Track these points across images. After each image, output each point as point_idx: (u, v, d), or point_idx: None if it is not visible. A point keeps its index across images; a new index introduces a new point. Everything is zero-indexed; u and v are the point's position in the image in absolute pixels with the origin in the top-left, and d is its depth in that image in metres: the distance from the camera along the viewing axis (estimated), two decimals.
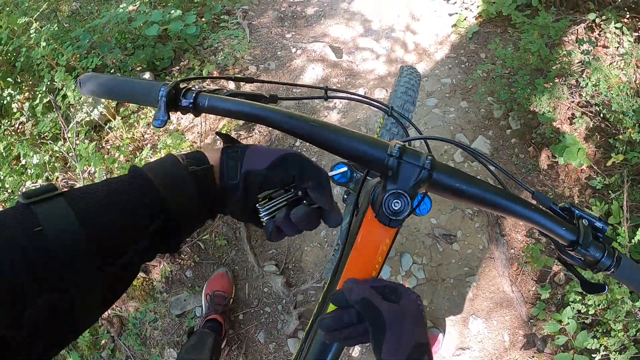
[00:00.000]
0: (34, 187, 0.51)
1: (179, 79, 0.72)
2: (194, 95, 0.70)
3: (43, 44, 2.60)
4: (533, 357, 2.10)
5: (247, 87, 2.89)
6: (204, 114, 0.71)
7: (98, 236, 0.47)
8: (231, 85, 2.91)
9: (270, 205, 0.66)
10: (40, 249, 0.43)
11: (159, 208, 0.55)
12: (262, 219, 0.66)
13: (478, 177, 0.68)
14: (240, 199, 0.65)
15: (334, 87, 2.98)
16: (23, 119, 2.72)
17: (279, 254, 2.42)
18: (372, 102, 0.93)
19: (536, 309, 2.15)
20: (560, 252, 0.71)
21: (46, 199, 0.47)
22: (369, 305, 0.62)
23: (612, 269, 0.66)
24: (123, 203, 0.52)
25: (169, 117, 0.70)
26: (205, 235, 2.47)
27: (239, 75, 0.90)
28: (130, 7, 3.07)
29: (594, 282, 0.70)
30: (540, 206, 0.70)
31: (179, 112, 0.72)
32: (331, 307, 0.71)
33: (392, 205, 0.64)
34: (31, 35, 2.64)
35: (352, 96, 0.92)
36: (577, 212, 0.70)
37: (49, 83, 2.66)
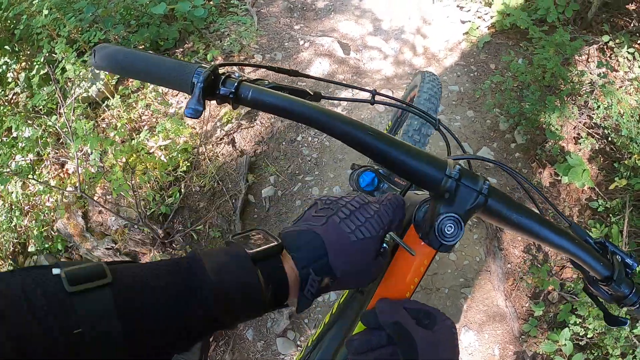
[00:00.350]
0: (79, 266, 0.43)
1: (217, 63, 0.64)
2: (235, 84, 0.61)
3: (45, 12, 2.50)
4: None
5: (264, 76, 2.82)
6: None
7: (138, 343, 0.43)
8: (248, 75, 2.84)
9: None
10: (75, 349, 0.39)
11: (215, 324, 0.50)
12: None
13: (525, 206, 0.64)
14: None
15: (337, 86, 2.93)
16: (18, 89, 2.62)
17: None
18: (422, 113, 0.88)
19: (528, 326, 2.15)
20: (590, 284, 0.70)
21: (94, 288, 0.42)
22: (401, 330, 0.57)
23: (638, 305, 0.66)
24: (175, 313, 0.46)
25: (204, 107, 0.60)
26: (198, 226, 2.42)
27: (282, 67, 0.81)
28: None
29: (617, 316, 0.69)
30: (579, 239, 0.68)
31: (213, 102, 0.64)
32: (360, 326, 0.66)
33: (446, 229, 0.60)
34: (33, 2, 2.53)
35: (401, 104, 0.87)
36: (610, 247, 0.69)
37: (47, 54, 2.56)
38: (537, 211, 0.70)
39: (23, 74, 2.68)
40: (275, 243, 0.55)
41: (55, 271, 0.41)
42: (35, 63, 2.58)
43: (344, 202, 0.62)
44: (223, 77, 0.62)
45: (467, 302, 2.24)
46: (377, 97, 0.83)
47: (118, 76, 2.85)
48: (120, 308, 0.42)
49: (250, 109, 2.83)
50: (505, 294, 2.26)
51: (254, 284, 0.51)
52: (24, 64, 2.87)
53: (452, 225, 0.60)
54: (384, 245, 0.62)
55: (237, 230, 2.41)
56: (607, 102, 2.33)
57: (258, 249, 0.53)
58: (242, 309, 0.51)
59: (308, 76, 0.82)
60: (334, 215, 0.59)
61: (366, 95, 0.83)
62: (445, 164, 0.60)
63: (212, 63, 0.64)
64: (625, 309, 0.69)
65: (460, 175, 0.59)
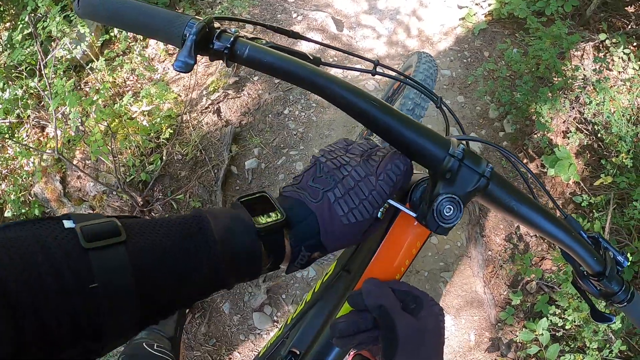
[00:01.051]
0: (93, 222, 0.40)
1: (213, 15, 0.58)
2: (231, 39, 0.56)
3: None
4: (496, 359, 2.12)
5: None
6: (195, 67, 0.58)
7: (150, 298, 0.45)
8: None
9: None
10: (90, 307, 0.40)
11: (219, 283, 0.52)
12: None
13: (527, 194, 0.62)
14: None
15: (329, 61, 2.88)
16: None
17: None
18: (424, 90, 0.84)
19: (505, 314, 2.17)
20: (579, 278, 0.70)
21: (109, 245, 0.43)
22: (385, 315, 0.56)
23: (625, 303, 0.67)
24: (184, 270, 0.48)
25: (195, 61, 0.55)
26: (179, 195, 2.36)
27: (281, 27, 0.76)
28: None
29: (604, 312, 0.70)
30: (574, 231, 0.67)
31: (206, 57, 0.59)
32: (345, 307, 0.64)
33: (445, 210, 0.56)
34: None
35: (404, 78, 0.84)
36: (604, 243, 0.69)
37: (32, 14, 2.44)
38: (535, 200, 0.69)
39: (7, 34, 2.55)
40: (281, 219, 0.55)
41: (68, 224, 0.42)
42: (19, 22, 2.46)
43: (344, 172, 0.59)
44: (218, 31, 0.57)
45: (446, 286, 2.25)
46: (379, 69, 0.79)
47: (103, 39, 2.75)
48: (135, 266, 0.43)
49: (237, 78, 2.77)
50: (484, 281, 2.27)
51: (258, 252, 0.53)
52: (8, 23, 2.74)
53: (451, 206, 0.56)
54: (379, 215, 0.59)
55: (217, 201, 2.37)
56: (600, 99, 2.33)
57: (265, 225, 0.54)
58: (245, 272, 0.54)
59: (308, 39, 0.78)
60: (330, 191, 0.57)
61: (368, 66, 0.79)
62: (449, 142, 0.57)
63: (207, 16, 0.59)
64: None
65: (463, 156, 0.56)
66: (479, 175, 0.57)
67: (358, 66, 0.83)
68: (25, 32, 2.39)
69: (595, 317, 0.71)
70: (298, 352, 0.71)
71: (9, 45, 2.47)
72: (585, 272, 0.68)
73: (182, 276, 0.48)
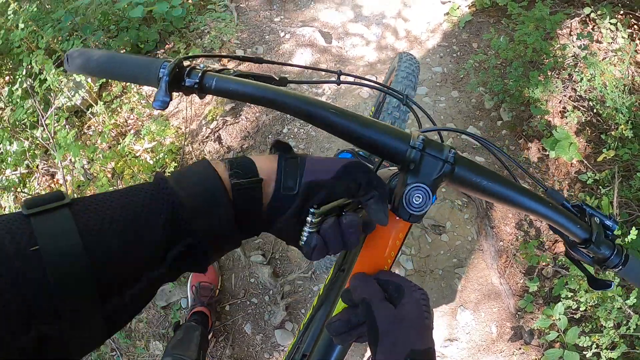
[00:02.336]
0: (38, 194, 0.42)
1: (181, 56, 0.65)
2: (200, 74, 0.63)
3: (21, 25, 2.48)
4: (520, 349, 2.11)
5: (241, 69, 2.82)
6: (192, 98, 0.64)
7: (105, 263, 0.41)
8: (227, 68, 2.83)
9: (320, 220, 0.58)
10: (35, 273, 0.37)
11: (183, 229, 0.47)
12: (303, 233, 0.58)
13: (495, 172, 0.65)
14: (295, 214, 0.56)
15: (322, 75, 2.93)
16: (1, 104, 2.61)
17: (266, 243, 2.38)
18: (387, 89, 0.89)
19: (524, 302, 2.16)
20: (570, 249, 0.71)
21: (49, 209, 0.40)
22: (367, 307, 0.57)
23: (620, 267, 0.67)
24: (139, 223, 0.45)
25: (171, 98, 0.62)
26: None
27: (246, 55, 0.82)
28: None
29: (601, 279, 0.70)
30: (555, 203, 0.68)
31: (181, 93, 0.65)
32: (340, 304, 0.66)
33: (414, 199, 0.61)
34: (9, 17, 2.51)
35: (366, 82, 0.88)
36: (588, 210, 0.70)
37: (29, 67, 2.55)
38: (513, 179, 0.71)
39: (7, 89, 2.66)
40: (255, 179, 0.54)
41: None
42: (17, 77, 2.57)
43: None
44: (188, 69, 0.63)
45: (461, 282, 2.25)
46: (343, 77, 0.84)
47: (100, 83, 2.85)
48: (81, 225, 0.40)
49: (234, 104, 2.83)
50: (499, 272, 2.27)
51: (219, 189, 0.50)
52: (7, 78, 2.86)
53: (419, 195, 0.60)
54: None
55: None
56: (590, 74, 2.31)
57: (238, 180, 0.52)
58: (213, 219, 0.49)
59: (272, 62, 0.84)
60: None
61: (335, 77, 0.85)
62: (409, 135, 0.61)
63: (176, 57, 0.65)
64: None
65: (424, 146, 0.60)
66: (443, 161, 0.60)
67: (330, 79, 0.88)
68: (24, 85, 2.49)
69: (593, 285, 0.71)
70: (307, 354, 0.75)
71: (9, 100, 2.58)
72: (574, 242, 0.69)
73: (139, 226, 0.44)
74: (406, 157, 0.60)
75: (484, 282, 2.25)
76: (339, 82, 0.84)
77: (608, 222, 0.69)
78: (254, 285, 2.28)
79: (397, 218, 0.64)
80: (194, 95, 0.65)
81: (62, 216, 0.40)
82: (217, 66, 0.76)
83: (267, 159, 0.57)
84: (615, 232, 0.69)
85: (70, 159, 2.43)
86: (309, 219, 0.57)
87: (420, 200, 0.60)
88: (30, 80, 2.39)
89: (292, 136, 2.71)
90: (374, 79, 2.94)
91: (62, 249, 0.39)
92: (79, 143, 2.24)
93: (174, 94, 0.64)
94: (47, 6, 2.94)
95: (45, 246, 0.38)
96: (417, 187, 0.60)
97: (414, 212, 0.61)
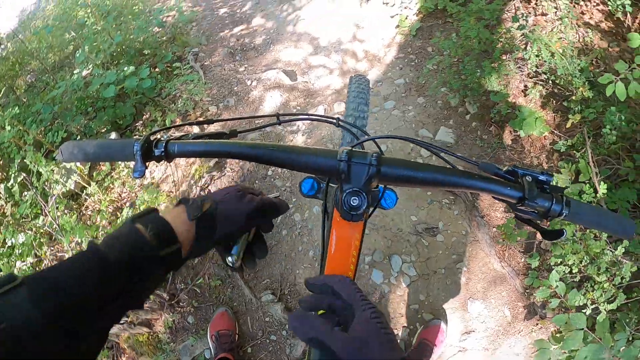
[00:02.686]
0: None
1: (148, 133, 0.80)
2: (164, 144, 0.78)
3: (7, 127, 2.65)
4: (537, 324, 2.14)
5: (212, 127, 2.96)
6: (175, 163, 0.79)
7: (63, 328, 0.49)
8: (197, 129, 2.97)
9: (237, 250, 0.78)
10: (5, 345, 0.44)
11: (117, 288, 0.56)
12: (228, 259, 0.77)
13: (421, 162, 0.75)
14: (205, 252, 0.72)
15: (292, 111, 3.07)
16: (1, 201, 2.75)
17: (273, 282, 2.46)
18: (320, 118, 1.02)
19: (530, 279, 2.19)
20: (515, 211, 0.75)
21: (7, 291, 0.48)
22: (321, 345, 0.56)
23: (564, 213, 0.71)
24: (82, 285, 0.53)
25: (146, 167, 0.78)
26: (199, 280, 2.51)
27: (200, 119, 1.00)
28: (85, 72, 3.13)
29: (552, 230, 0.74)
30: (487, 174, 0.76)
31: (154, 162, 0.80)
32: None
33: (351, 202, 0.72)
34: None
35: (302, 116, 1.01)
36: (520, 171, 0.75)
37: (20, 162, 2.71)
38: (449, 165, 0.81)
39: (2, 185, 2.81)
40: (175, 247, 0.65)
41: None
42: (10, 173, 2.72)
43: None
44: (155, 141, 0.79)
45: (465, 275, 2.31)
46: (282, 117, 0.98)
47: (89, 165, 3.00)
48: (35, 299, 0.48)
49: (217, 161, 2.97)
50: (498, 257, 2.32)
51: (140, 238, 0.60)
52: (0, 175, 3.01)
53: (355, 197, 0.72)
54: None
55: (234, 274, 2.50)
56: (536, 49, 2.41)
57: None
58: (143, 268, 0.59)
59: (218, 120, 0.97)
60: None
61: (275, 120, 0.99)
62: (336, 152, 0.72)
63: (145, 134, 0.81)
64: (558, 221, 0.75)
65: (349, 157, 0.71)
66: (368, 165, 0.71)
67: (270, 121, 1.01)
68: (19, 180, 2.64)
69: (547, 237, 0.74)
70: None
71: (8, 196, 2.72)
72: (513, 203, 0.74)
73: (82, 285, 0.52)
74: (338, 170, 0.71)
75: (486, 270, 2.31)
76: (279, 123, 0.97)
77: (542, 177, 0.73)
78: (269, 323, 2.35)
79: (348, 222, 0.75)
80: (178, 159, 0.79)
81: (19, 294, 0.48)
82: (178, 134, 0.92)
83: (182, 223, 0.68)
84: (552, 184, 0.73)
85: (77, 241, 2.54)
86: (229, 259, 0.77)
87: (357, 201, 0.72)
88: (23, 173, 2.54)
89: (277, 177, 2.81)
90: (342, 104, 3.06)
91: (22, 322, 0.46)
92: (81, 224, 2.37)
93: (150, 163, 0.80)
94: (24, 100, 3.12)
95: (8, 321, 0.45)
96: (351, 191, 0.71)
97: (354, 213, 0.72)
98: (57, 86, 3.13)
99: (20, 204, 2.64)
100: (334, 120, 1.02)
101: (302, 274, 2.43)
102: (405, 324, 2.23)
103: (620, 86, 1.88)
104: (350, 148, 0.72)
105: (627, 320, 1.68)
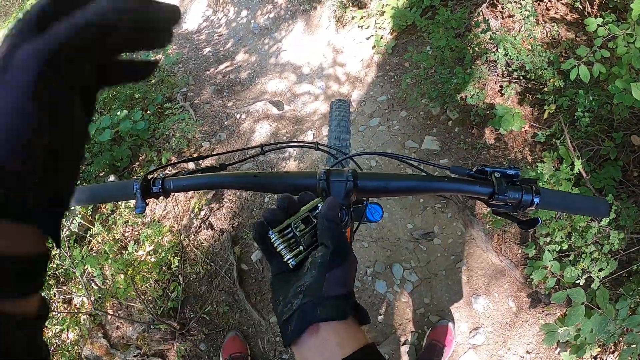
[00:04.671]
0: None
1: (146, 173, 0.89)
2: (161, 181, 0.86)
3: None
4: (543, 311, 2.19)
5: (207, 162, 3.05)
6: (175, 198, 0.87)
7: None
8: (191, 164, 3.07)
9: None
10: None
11: None
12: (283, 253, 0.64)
13: (396, 173, 0.83)
14: None
15: (283, 139, 3.19)
16: None
17: None
18: (300, 144, 1.12)
19: (529, 268, 2.23)
20: (490, 206, 0.81)
21: None
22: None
23: (535, 202, 0.76)
24: None
25: (146, 204, 0.86)
26: (207, 308, 2.55)
27: (193, 156, 1.11)
28: None
29: (527, 219, 0.79)
30: (458, 176, 0.83)
31: (153, 199, 0.88)
32: None
33: None
34: None
35: (284, 144, 1.10)
36: (488, 169, 0.81)
37: None
38: (423, 173, 0.88)
39: None
40: None
41: None
42: None
43: None
44: (152, 179, 0.87)
45: (465, 274, 2.36)
46: (266, 147, 1.08)
47: (92, 207, 3.08)
48: None
49: (214, 193, 3.06)
50: (495, 251, 2.39)
51: None
52: None
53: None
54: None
55: (242, 299, 2.55)
56: (503, 49, 2.54)
57: None
58: None
59: (209, 156, 1.07)
60: None
61: (260, 150, 1.08)
62: (315, 173, 0.80)
63: (142, 173, 0.91)
64: (531, 211, 0.78)
65: (327, 175, 0.78)
66: (345, 181, 0.78)
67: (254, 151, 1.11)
68: None
69: (523, 227, 0.80)
70: None
71: None
72: (486, 200, 0.79)
73: None
74: (318, 189, 0.79)
75: (485, 266, 2.37)
76: (263, 152, 1.08)
77: (510, 172, 0.78)
78: (280, 343, 2.38)
79: None
80: (176, 194, 0.88)
81: None
82: (174, 170, 1.03)
83: None
84: (522, 176, 0.79)
85: (89, 270, 2.61)
86: (276, 239, 0.64)
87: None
88: None
89: (274, 202, 2.90)
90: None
91: None
92: (92, 255, 2.45)
93: (150, 200, 0.88)
94: None
95: None
96: None
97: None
98: None
99: None
100: (313, 145, 1.11)
101: None
102: (414, 329, 2.27)
103: (583, 69, 1.99)
104: (328, 168, 0.81)
105: (631, 292, 1.73)
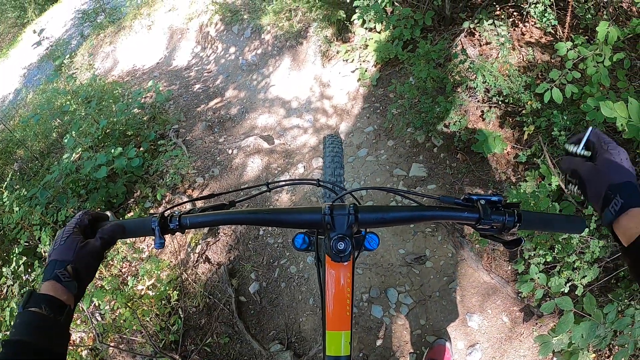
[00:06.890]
0: None
1: (163, 211, 0.95)
2: (177, 219, 0.91)
3: (16, 209, 2.79)
4: (537, 324, 2.25)
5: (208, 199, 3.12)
6: (171, 235, 0.94)
7: None
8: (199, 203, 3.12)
9: None
10: None
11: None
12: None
13: (392, 205, 0.91)
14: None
15: (274, 172, 3.28)
16: (9, 282, 2.82)
17: (279, 332, 2.54)
18: (303, 181, 1.21)
19: (519, 283, 2.30)
20: (477, 230, 0.89)
21: None
22: (574, 172, 0.86)
23: (518, 224, 0.84)
24: None
25: (164, 240, 0.92)
26: (208, 340, 2.58)
27: (203, 194, 1.19)
28: (75, 156, 3.31)
29: (512, 239, 0.87)
30: (447, 205, 0.92)
31: (169, 235, 0.93)
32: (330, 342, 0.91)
33: (338, 246, 0.87)
34: (5, 202, 2.83)
35: (288, 182, 1.18)
36: (474, 197, 0.88)
37: (26, 243, 2.82)
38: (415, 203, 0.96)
39: (4, 269, 2.89)
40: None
41: None
42: (12, 255, 2.82)
43: None
44: (169, 217, 0.93)
45: (458, 293, 2.43)
46: (271, 185, 1.15)
47: None
48: None
49: (210, 228, 3.12)
50: (486, 269, 2.47)
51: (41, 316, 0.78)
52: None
53: (341, 242, 0.87)
54: None
55: (241, 330, 2.58)
56: (481, 77, 2.68)
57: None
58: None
59: (220, 194, 1.14)
60: None
61: (266, 188, 1.15)
62: (320, 208, 0.90)
63: (160, 211, 0.96)
64: (515, 232, 0.89)
65: (331, 210, 0.88)
66: (347, 215, 0.88)
67: (255, 191, 1.17)
68: (21, 262, 2.74)
69: (508, 247, 0.87)
70: None
71: (15, 277, 2.79)
72: (473, 225, 0.87)
73: None
74: (323, 223, 0.88)
75: (477, 285, 2.44)
76: (269, 190, 1.16)
77: (494, 198, 0.86)
78: None
79: (337, 263, 0.91)
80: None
81: None
82: (188, 207, 1.10)
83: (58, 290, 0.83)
84: (505, 201, 0.88)
85: (95, 304, 2.64)
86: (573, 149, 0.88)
87: (343, 245, 0.87)
88: (24, 257, 2.65)
89: (269, 235, 2.97)
90: (319, 160, 3.28)
91: None
92: (98, 289, 2.49)
93: (165, 235, 0.94)
94: (16, 186, 3.26)
95: None
96: (337, 237, 0.87)
97: (342, 255, 0.87)
98: (51, 170, 3.30)
99: (26, 285, 2.72)
100: (315, 182, 1.20)
101: (305, 321, 2.53)
102: (412, 350, 2.32)
103: (555, 92, 2.13)
104: (331, 203, 0.90)
105: (620, 298, 1.82)
